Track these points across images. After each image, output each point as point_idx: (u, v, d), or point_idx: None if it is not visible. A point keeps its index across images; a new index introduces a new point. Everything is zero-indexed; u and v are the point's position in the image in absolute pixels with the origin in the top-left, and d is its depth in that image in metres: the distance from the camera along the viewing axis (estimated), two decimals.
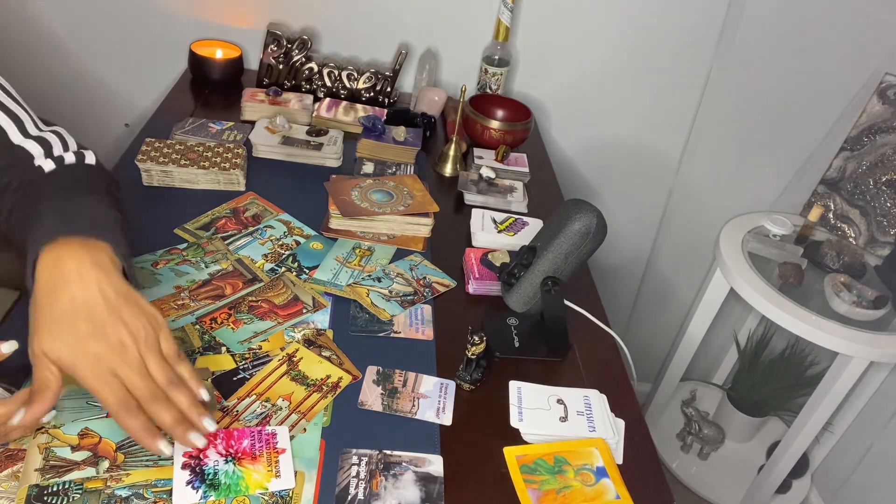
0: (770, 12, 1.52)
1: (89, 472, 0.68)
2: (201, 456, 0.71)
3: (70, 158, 0.83)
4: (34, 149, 0.81)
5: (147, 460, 0.70)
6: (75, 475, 0.67)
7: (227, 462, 0.71)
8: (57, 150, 0.83)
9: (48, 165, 0.81)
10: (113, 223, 0.74)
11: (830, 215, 1.63)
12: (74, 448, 0.70)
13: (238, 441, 0.73)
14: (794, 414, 1.62)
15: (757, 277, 1.47)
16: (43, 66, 1.57)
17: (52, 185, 0.78)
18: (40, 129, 0.83)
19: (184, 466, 0.69)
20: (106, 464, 0.69)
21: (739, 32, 1.55)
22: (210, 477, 0.69)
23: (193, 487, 0.68)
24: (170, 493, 0.67)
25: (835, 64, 1.58)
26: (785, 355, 1.80)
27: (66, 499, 0.65)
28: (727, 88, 1.63)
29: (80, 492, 0.66)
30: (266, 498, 0.68)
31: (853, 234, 1.61)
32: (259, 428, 0.75)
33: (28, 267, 0.68)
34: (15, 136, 0.80)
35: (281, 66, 1.44)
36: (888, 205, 1.55)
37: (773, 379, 1.79)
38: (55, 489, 0.66)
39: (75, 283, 0.65)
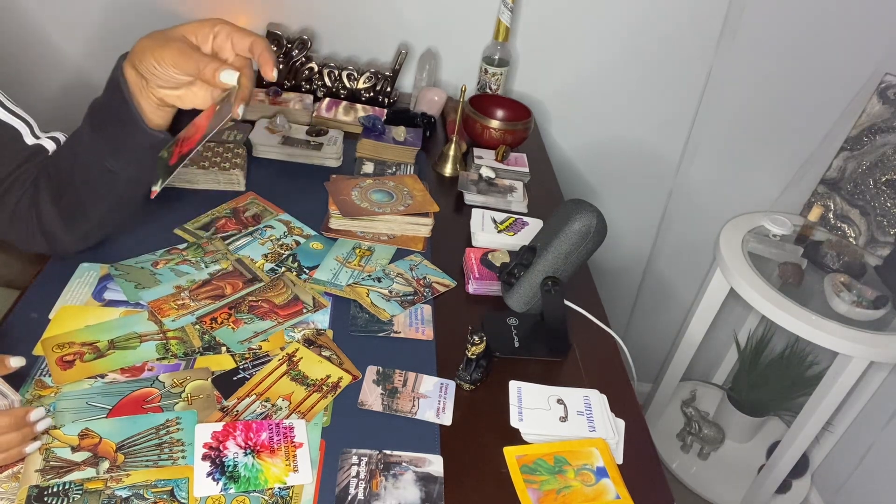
0: (770, 12, 1.52)
1: (89, 472, 0.68)
2: (221, 447, 0.71)
3: None
4: (49, 144, 0.89)
5: (147, 461, 0.70)
6: (75, 476, 0.67)
7: (245, 455, 0.71)
8: None
9: None
10: None
11: (830, 215, 1.63)
12: (75, 449, 0.70)
13: (257, 434, 0.73)
14: (794, 414, 1.62)
15: (757, 277, 1.47)
16: (41, 70, 1.57)
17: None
18: (45, 131, 0.91)
19: (203, 457, 0.70)
20: (106, 464, 0.69)
21: (739, 32, 1.55)
22: (230, 469, 0.69)
23: (214, 479, 0.68)
24: (170, 493, 0.67)
25: (835, 64, 1.58)
26: (785, 355, 1.80)
27: (66, 499, 0.65)
28: (727, 88, 1.62)
29: (80, 492, 0.66)
30: (266, 498, 0.68)
31: (853, 234, 1.61)
32: (277, 421, 0.75)
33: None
34: (28, 139, 0.88)
35: (281, 66, 1.44)
36: (888, 205, 1.55)
37: (773, 379, 1.79)
38: (55, 490, 0.66)
39: None
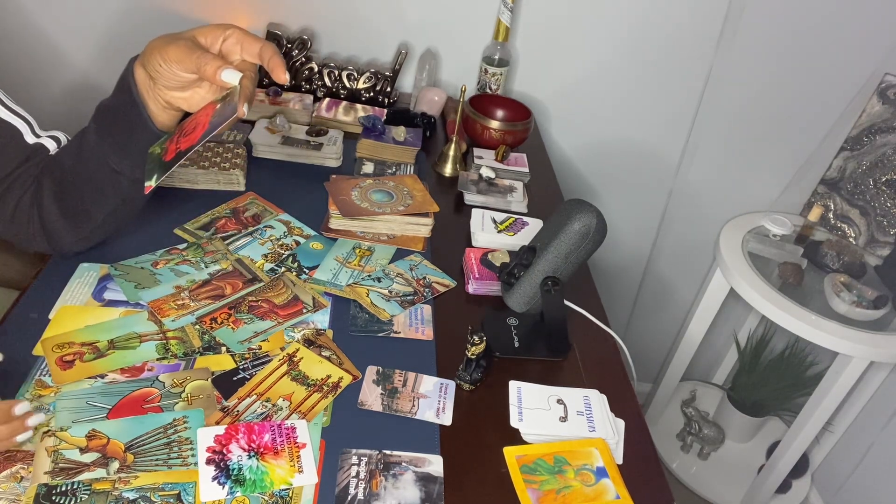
0: (770, 12, 1.52)
1: (100, 473, 0.68)
2: (224, 451, 0.71)
3: None
4: (50, 144, 0.90)
5: (157, 460, 0.70)
6: (86, 476, 0.67)
7: (250, 457, 0.71)
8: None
9: None
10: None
11: (830, 215, 1.63)
12: (83, 450, 0.70)
13: (259, 436, 0.73)
14: (794, 414, 1.62)
15: (757, 277, 1.47)
16: (41, 71, 1.57)
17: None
18: (45, 130, 0.90)
19: (208, 462, 0.70)
20: (116, 464, 0.69)
21: (739, 32, 1.55)
22: (235, 472, 0.69)
23: (219, 483, 0.68)
24: (177, 496, 0.67)
25: (835, 64, 1.58)
26: (785, 355, 1.80)
27: (73, 499, 0.65)
28: (727, 88, 1.62)
29: (87, 492, 0.66)
30: (266, 498, 0.68)
31: (853, 234, 1.61)
32: (279, 422, 0.75)
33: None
34: (28, 137, 0.88)
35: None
36: (888, 205, 1.55)
37: (773, 379, 1.79)
38: (63, 489, 0.66)
39: None
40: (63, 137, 0.91)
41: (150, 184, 0.75)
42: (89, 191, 0.85)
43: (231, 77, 0.72)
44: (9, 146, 0.86)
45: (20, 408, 0.69)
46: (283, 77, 0.75)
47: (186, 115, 0.82)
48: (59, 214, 0.86)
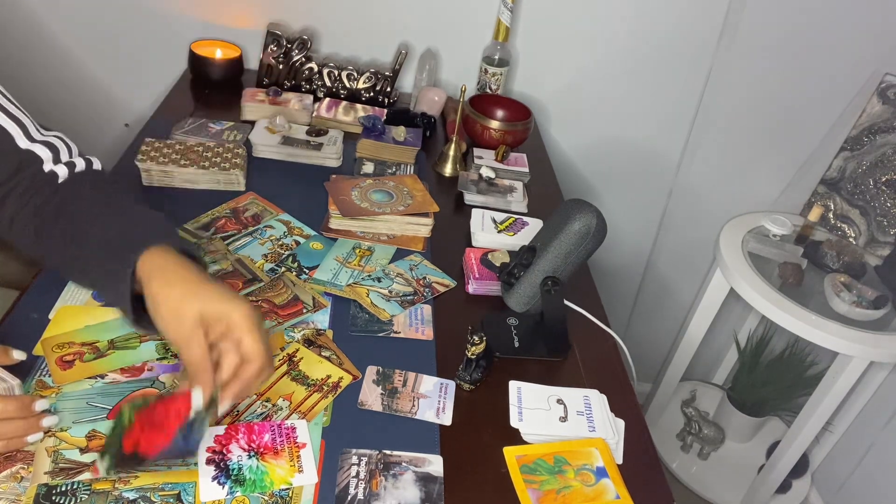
0: (770, 12, 1.52)
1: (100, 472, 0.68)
2: (224, 451, 0.71)
3: (80, 164, 0.86)
4: (42, 152, 0.83)
5: (157, 461, 0.70)
6: (85, 476, 0.67)
7: (249, 457, 0.71)
8: (64, 155, 0.85)
9: (61, 171, 0.84)
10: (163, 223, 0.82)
11: (830, 215, 1.63)
12: (83, 450, 0.70)
13: (259, 436, 0.74)
14: (794, 414, 1.62)
15: (757, 277, 1.47)
16: (42, 68, 1.57)
17: (88, 201, 0.82)
18: (43, 134, 0.85)
19: (208, 462, 0.70)
20: None
21: (739, 32, 1.55)
22: (235, 472, 0.69)
23: (219, 483, 0.68)
24: (177, 496, 0.67)
25: (835, 64, 1.58)
26: (785, 355, 1.80)
27: (73, 499, 0.65)
28: (727, 88, 1.62)
29: (87, 492, 0.66)
30: (266, 498, 0.68)
31: (853, 234, 1.61)
32: (279, 422, 0.76)
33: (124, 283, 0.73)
34: (21, 141, 0.82)
35: (281, 66, 1.44)
36: (888, 205, 1.55)
37: (773, 379, 1.79)
38: (63, 489, 0.66)
39: None
40: (61, 141, 0.86)
41: (101, 471, 0.68)
42: (76, 267, 0.81)
43: (197, 399, 0.68)
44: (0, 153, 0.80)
45: (41, 403, 0.69)
46: (223, 404, 0.69)
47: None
48: (52, 253, 0.82)
